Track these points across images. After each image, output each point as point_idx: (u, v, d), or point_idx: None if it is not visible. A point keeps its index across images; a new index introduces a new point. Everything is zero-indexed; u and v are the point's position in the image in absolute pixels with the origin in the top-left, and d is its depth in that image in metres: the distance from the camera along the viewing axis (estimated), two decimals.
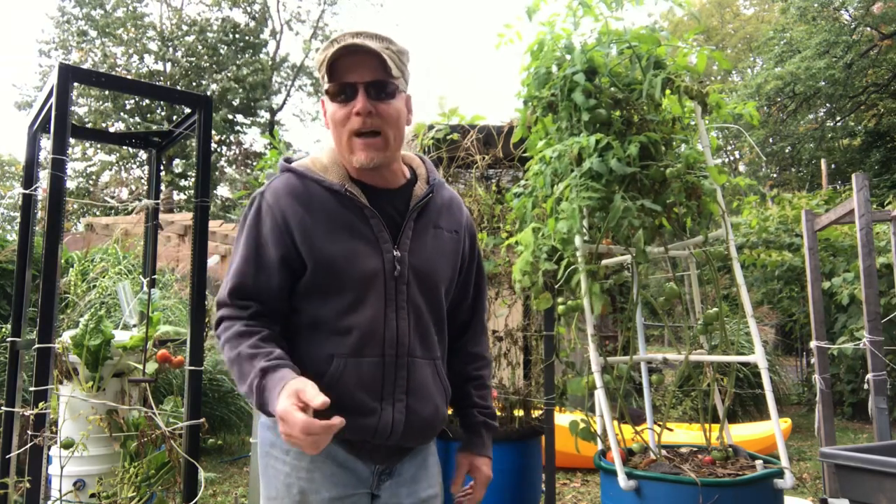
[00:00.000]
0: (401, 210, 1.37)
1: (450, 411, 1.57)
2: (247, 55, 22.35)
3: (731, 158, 24.44)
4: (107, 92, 19.33)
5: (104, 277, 5.22)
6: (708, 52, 2.38)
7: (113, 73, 19.58)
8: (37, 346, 2.17)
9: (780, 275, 7.38)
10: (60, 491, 2.44)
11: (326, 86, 1.31)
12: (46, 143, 2.59)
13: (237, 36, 22.44)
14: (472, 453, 1.52)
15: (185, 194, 20.83)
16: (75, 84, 2.30)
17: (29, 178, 2.71)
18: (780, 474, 2.07)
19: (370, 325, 1.29)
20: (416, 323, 1.35)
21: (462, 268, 1.48)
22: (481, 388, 1.55)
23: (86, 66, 20.12)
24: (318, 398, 1.09)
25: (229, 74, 21.13)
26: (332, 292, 1.30)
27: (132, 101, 20.59)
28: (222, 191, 22.52)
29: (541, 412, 3.35)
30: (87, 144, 20.23)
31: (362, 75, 1.28)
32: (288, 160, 1.40)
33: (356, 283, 1.30)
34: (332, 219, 1.30)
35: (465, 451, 1.53)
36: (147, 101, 20.33)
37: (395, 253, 1.32)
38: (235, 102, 22.02)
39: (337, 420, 1.10)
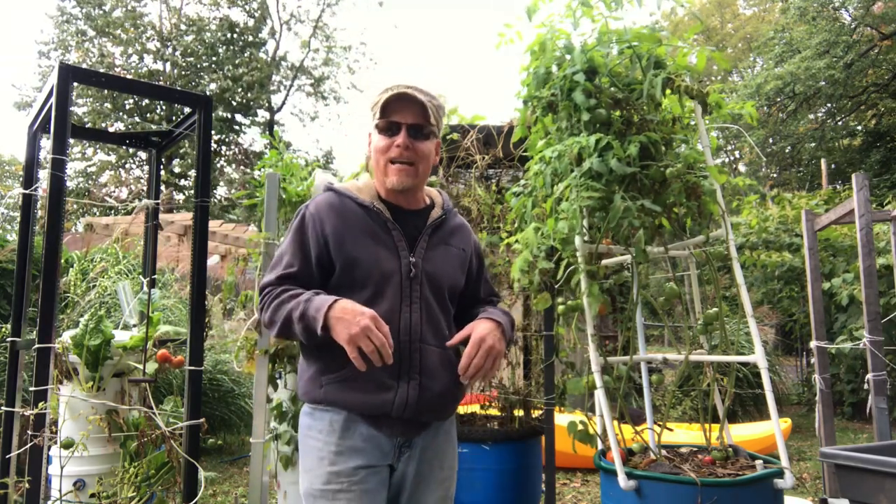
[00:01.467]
0: (419, 227, 1.70)
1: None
2: (246, 55, 22.34)
3: (731, 158, 24.45)
4: (106, 92, 19.32)
5: (104, 277, 5.22)
6: (708, 53, 2.38)
7: (112, 72, 19.58)
8: (37, 346, 2.17)
9: (780, 275, 7.37)
10: (60, 491, 2.44)
11: (377, 121, 1.65)
12: (46, 143, 2.59)
13: (236, 35, 22.44)
14: (479, 318, 1.69)
15: (184, 194, 20.83)
16: (75, 84, 2.30)
17: (29, 178, 2.71)
18: (780, 474, 2.07)
19: (387, 315, 1.55)
20: (427, 315, 1.62)
21: (471, 278, 1.82)
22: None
23: (85, 65, 20.13)
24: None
25: (228, 74, 21.12)
26: (357, 287, 1.59)
27: (131, 101, 20.58)
28: (222, 191, 22.53)
29: (541, 412, 3.35)
30: (87, 144, 20.22)
31: (406, 118, 1.63)
32: (330, 184, 1.76)
33: (376, 280, 1.59)
34: (361, 228, 1.62)
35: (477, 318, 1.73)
36: (146, 100, 20.31)
37: (411, 259, 1.63)
38: (234, 102, 22.01)
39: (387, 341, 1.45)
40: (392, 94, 1.62)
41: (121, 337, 2.72)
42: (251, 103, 22.47)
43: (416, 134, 1.64)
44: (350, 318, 1.43)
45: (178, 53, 21.76)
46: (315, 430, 1.60)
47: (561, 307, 2.58)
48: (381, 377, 1.55)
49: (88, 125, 19.21)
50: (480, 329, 1.60)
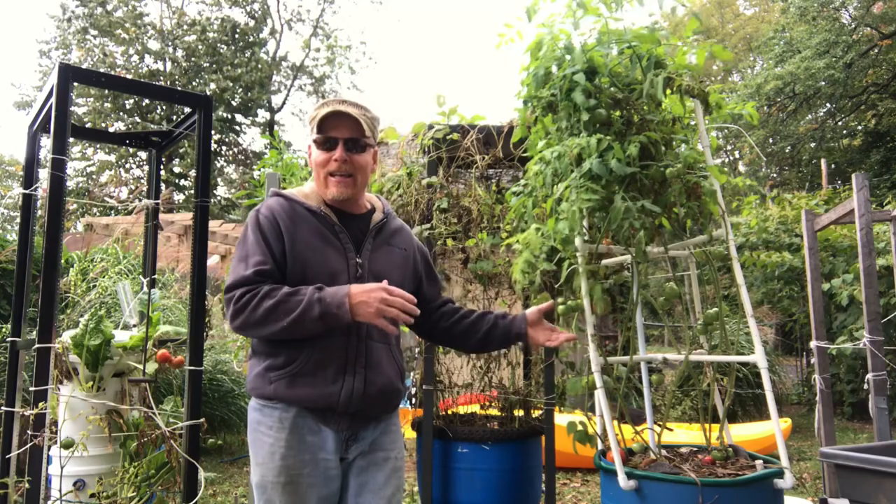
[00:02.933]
0: (363, 230, 1.81)
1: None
2: (246, 55, 22.33)
3: (731, 158, 24.44)
4: (106, 92, 19.31)
5: (104, 277, 5.22)
6: (708, 48, 2.38)
7: (113, 72, 19.57)
8: (37, 346, 2.17)
9: (780, 275, 7.37)
10: (60, 491, 2.44)
11: (315, 136, 1.76)
12: (46, 143, 2.59)
13: (237, 35, 22.42)
14: (522, 321, 1.90)
15: (184, 194, 20.82)
16: (75, 84, 2.30)
17: (29, 178, 2.71)
18: (780, 474, 2.07)
19: None
20: None
21: (418, 275, 1.94)
22: (468, 310, 2.00)
23: (86, 65, 20.11)
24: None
25: (228, 74, 21.10)
26: (307, 286, 1.64)
27: (132, 101, 20.56)
28: (222, 191, 22.51)
29: (541, 412, 3.35)
30: (87, 144, 20.21)
31: (342, 132, 1.73)
32: (276, 190, 1.85)
33: (325, 279, 1.66)
34: (311, 230, 1.72)
35: (530, 325, 1.91)
36: (147, 100, 20.30)
37: (357, 259, 1.74)
38: (234, 102, 22.00)
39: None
40: (328, 112, 1.72)
41: (121, 337, 2.72)
42: (251, 103, 22.45)
43: (353, 147, 1.74)
44: (366, 298, 1.54)
45: (178, 53, 21.74)
46: (265, 426, 1.68)
47: (561, 307, 2.58)
48: (330, 371, 1.65)
49: (88, 125, 19.20)
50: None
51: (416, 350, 3.95)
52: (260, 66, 21.94)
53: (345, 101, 1.76)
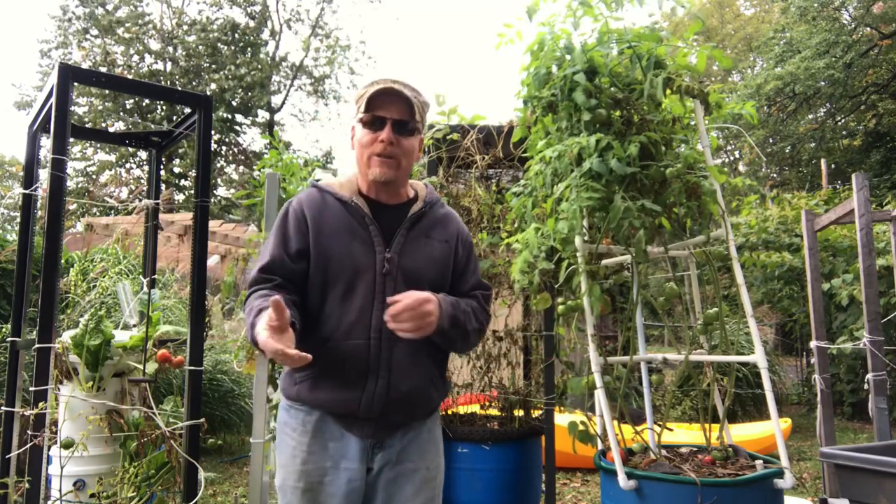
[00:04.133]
0: (399, 221, 1.66)
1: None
2: (246, 55, 22.33)
3: (731, 158, 24.44)
4: (106, 91, 19.31)
5: (104, 277, 5.22)
6: (708, 51, 2.38)
7: (113, 72, 19.57)
8: (37, 346, 2.17)
9: (780, 275, 7.37)
10: (60, 491, 2.44)
11: (361, 115, 1.63)
12: (46, 143, 2.59)
13: (237, 35, 22.42)
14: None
15: (184, 194, 20.82)
16: (75, 84, 2.30)
17: (29, 178, 2.71)
18: (780, 474, 2.07)
19: (358, 313, 1.57)
20: None
21: (457, 270, 1.76)
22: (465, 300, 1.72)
23: (86, 65, 20.11)
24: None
25: (228, 74, 21.11)
26: (330, 283, 1.59)
27: (132, 101, 20.56)
28: (222, 191, 22.51)
29: (541, 412, 3.35)
30: (87, 144, 20.21)
31: (392, 113, 1.61)
32: (316, 180, 1.78)
33: (348, 276, 1.58)
34: (338, 223, 1.62)
35: None
36: (147, 100, 20.31)
37: (385, 254, 1.60)
38: (235, 102, 22.00)
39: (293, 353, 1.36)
40: (378, 89, 1.60)
41: (121, 337, 2.72)
42: (251, 103, 22.46)
43: (401, 129, 1.62)
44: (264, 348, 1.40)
45: (179, 53, 21.75)
46: (289, 428, 1.63)
47: (561, 307, 2.58)
48: (351, 374, 1.56)
49: (88, 125, 19.20)
50: (417, 295, 1.51)
51: None
52: (260, 66, 21.94)
53: (397, 80, 1.64)
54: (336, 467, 1.57)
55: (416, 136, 1.67)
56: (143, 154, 19.31)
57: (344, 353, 1.56)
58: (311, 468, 1.57)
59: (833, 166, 17.36)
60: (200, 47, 21.49)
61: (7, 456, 2.45)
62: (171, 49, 21.57)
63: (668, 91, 2.33)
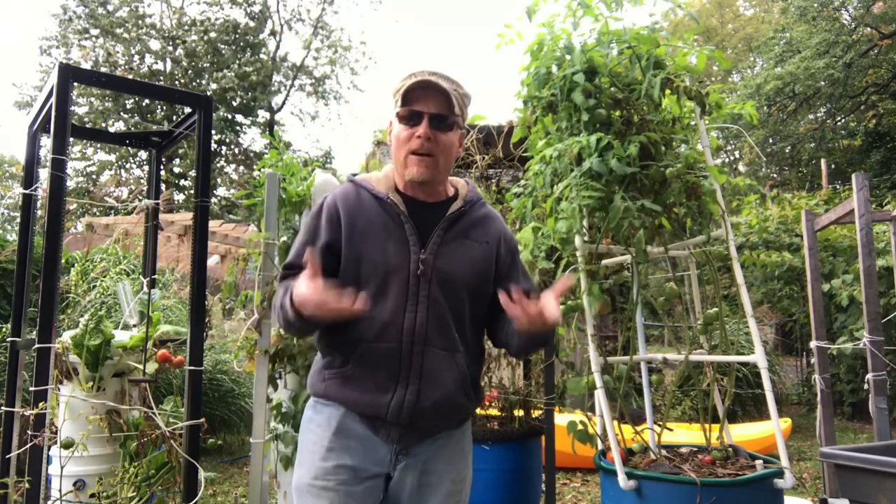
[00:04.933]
0: (435, 220, 1.58)
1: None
2: (247, 54, 22.34)
3: (731, 158, 24.44)
4: (107, 91, 19.32)
5: (105, 278, 5.22)
6: (708, 52, 2.38)
7: (114, 72, 19.58)
8: (37, 346, 2.17)
9: (780, 275, 7.37)
10: (60, 491, 2.44)
11: (398, 110, 1.56)
12: (46, 143, 2.59)
13: (237, 35, 22.43)
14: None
15: (184, 194, 20.83)
16: (75, 84, 2.30)
17: (29, 178, 2.71)
18: (780, 474, 2.07)
19: (391, 315, 1.50)
20: (434, 316, 1.52)
21: (500, 273, 1.65)
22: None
23: (86, 65, 20.12)
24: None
25: (229, 73, 21.12)
26: (362, 282, 1.51)
27: (132, 101, 20.57)
28: (222, 191, 22.53)
29: (541, 412, 3.35)
30: (87, 144, 20.22)
31: (429, 107, 1.54)
32: (353, 174, 1.70)
33: (381, 276, 1.51)
34: (373, 221, 1.55)
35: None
36: (147, 100, 20.32)
37: (420, 255, 1.52)
38: (235, 102, 22.01)
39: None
40: (415, 82, 1.53)
41: (121, 337, 2.72)
42: (251, 103, 22.47)
43: (439, 124, 1.54)
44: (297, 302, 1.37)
45: (179, 53, 21.75)
46: (314, 424, 1.57)
47: (561, 307, 2.58)
48: (380, 378, 1.50)
49: (88, 125, 19.21)
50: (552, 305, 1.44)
51: None
52: (261, 66, 21.96)
53: (435, 72, 1.56)
54: (355, 469, 1.50)
55: (455, 130, 1.59)
56: (143, 154, 19.32)
57: (375, 357, 1.50)
58: (328, 465, 1.50)
59: (833, 166, 17.36)
60: (201, 47, 21.49)
61: (7, 456, 2.45)
62: (171, 49, 21.57)
63: (668, 91, 2.33)
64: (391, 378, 1.50)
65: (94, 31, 20.79)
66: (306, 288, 1.34)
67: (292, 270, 1.56)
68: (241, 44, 22.58)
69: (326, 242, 1.55)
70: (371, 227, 1.54)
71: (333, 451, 1.51)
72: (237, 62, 21.51)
